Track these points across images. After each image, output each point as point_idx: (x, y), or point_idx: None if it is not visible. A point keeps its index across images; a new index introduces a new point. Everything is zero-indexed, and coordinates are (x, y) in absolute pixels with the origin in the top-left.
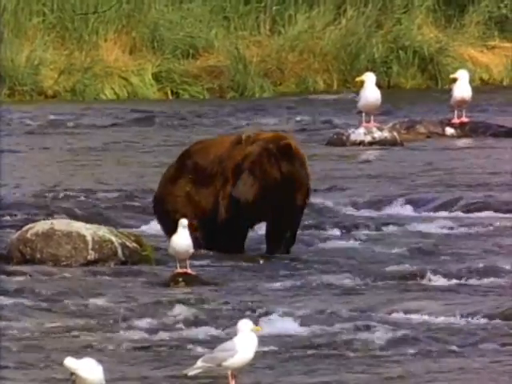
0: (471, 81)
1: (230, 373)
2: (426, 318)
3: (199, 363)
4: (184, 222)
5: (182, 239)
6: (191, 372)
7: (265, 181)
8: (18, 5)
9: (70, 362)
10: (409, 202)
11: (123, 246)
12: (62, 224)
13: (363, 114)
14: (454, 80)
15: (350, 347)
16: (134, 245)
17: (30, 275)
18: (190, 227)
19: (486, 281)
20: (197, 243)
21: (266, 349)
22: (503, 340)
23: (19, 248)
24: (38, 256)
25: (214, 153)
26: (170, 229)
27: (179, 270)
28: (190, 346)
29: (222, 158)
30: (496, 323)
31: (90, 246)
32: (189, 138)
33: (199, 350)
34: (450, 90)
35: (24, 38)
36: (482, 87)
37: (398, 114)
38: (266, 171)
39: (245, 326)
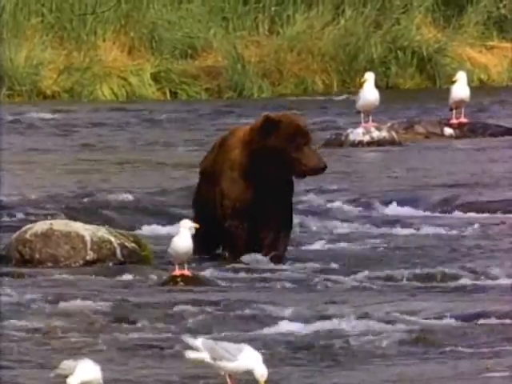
0: (470, 81)
1: (227, 374)
2: (425, 318)
3: (201, 347)
4: (186, 222)
5: (182, 241)
6: (192, 355)
7: None
8: (16, 5)
9: (66, 364)
10: (407, 202)
11: (122, 246)
12: (60, 224)
13: (362, 114)
14: (454, 82)
15: (353, 348)
16: (133, 245)
17: (29, 276)
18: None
19: (485, 281)
20: (198, 242)
21: (268, 350)
22: (504, 342)
23: (18, 248)
24: (37, 256)
25: (216, 151)
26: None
27: (178, 271)
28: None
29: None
30: (497, 324)
31: (89, 247)
32: (188, 139)
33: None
34: (448, 91)
35: (23, 38)
36: (480, 87)
37: (396, 114)
38: None
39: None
